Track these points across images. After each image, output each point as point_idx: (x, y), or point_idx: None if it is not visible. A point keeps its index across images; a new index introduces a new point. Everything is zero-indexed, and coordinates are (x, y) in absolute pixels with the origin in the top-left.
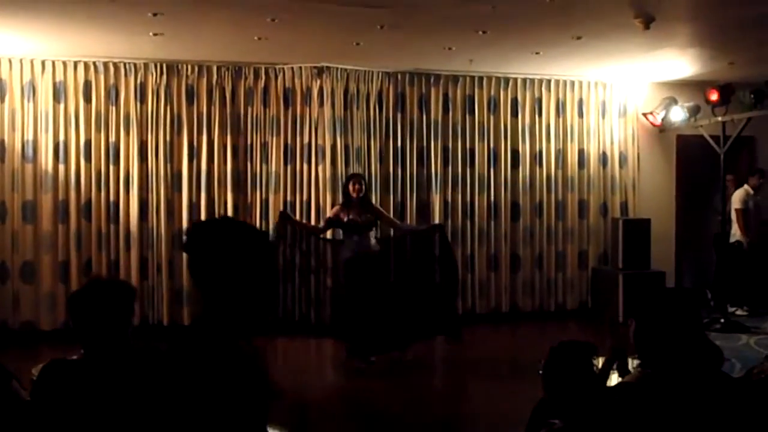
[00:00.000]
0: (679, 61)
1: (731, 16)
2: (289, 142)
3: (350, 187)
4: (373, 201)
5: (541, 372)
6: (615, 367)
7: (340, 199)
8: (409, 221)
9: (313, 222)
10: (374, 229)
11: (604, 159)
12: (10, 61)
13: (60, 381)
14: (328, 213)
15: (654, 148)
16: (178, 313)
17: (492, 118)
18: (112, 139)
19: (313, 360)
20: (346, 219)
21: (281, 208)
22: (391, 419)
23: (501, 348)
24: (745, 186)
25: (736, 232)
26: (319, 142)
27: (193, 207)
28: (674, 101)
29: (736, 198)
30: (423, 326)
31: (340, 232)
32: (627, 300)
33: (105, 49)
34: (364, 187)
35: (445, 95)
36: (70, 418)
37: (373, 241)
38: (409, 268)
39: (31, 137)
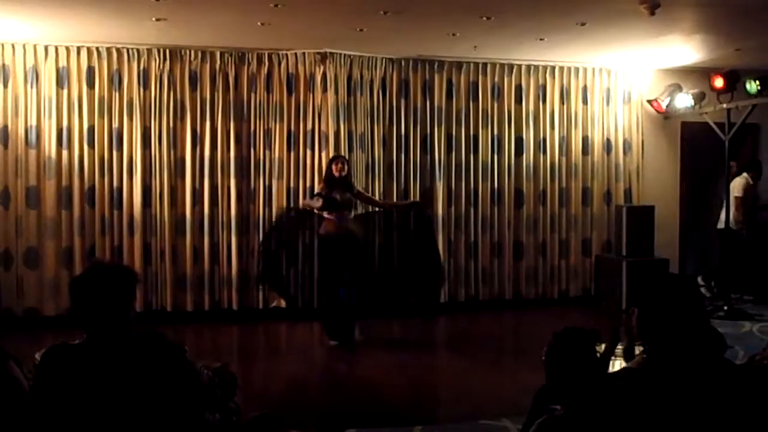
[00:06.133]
0: (684, 48)
1: (737, 2)
2: (292, 128)
3: (333, 167)
4: (377, 188)
5: (544, 358)
6: (619, 353)
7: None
8: None
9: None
10: (353, 209)
11: (608, 146)
12: (13, 47)
13: (61, 365)
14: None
15: (658, 135)
16: (181, 299)
17: (496, 104)
18: (116, 125)
19: (314, 345)
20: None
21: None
22: (391, 405)
23: (504, 335)
24: (745, 174)
25: (732, 219)
26: (323, 128)
27: (196, 193)
28: (679, 88)
29: (738, 186)
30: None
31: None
32: (630, 287)
33: (108, 34)
34: (347, 167)
35: (449, 82)
36: (72, 402)
37: (350, 224)
38: (387, 244)
39: (34, 123)
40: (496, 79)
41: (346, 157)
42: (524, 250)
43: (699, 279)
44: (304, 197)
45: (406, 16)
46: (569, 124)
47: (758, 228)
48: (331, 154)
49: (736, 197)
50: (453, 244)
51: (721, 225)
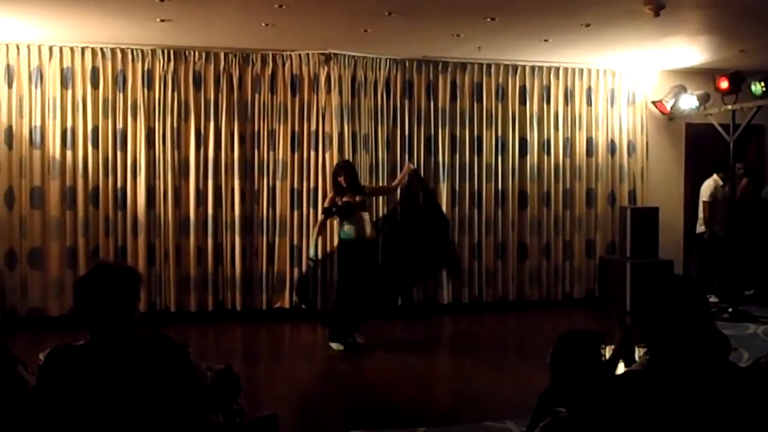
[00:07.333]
0: (689, 49)
1: (742, 3)
2: (296, 129)
3: (339, 180)
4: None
5: (549, 360)
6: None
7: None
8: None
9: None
10: (367, 208)
11: (612, 147)
12: (17, 47)
13: (65, 366)
14: (325, 203)
15: (663, 136)
16: (185, 300)
17: (500, 105)
18: (120, 125)
19: (318, 346)
20: (340, 203)
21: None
22: (394, 406)
23: (507, 336)
24: (714, 177)
25: (701, 223)
26: (327, 129)
27: (200, 194)
28: (684, 89)
29: (706, 189)
30: (419, 272)
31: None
32: (634, 289)
33: (112, 35)
34: (351, 174)
35: (453, 83)
36: (76, 403)
37: (368, 226)
38: (402, 241)
39: (38, 123)
40: (500, 80)
41: (350, 159)
42: (528, 252)
43: (715, 282)
44: (308, 199)
45: (410, 17)
46: (573, 126)
47: (740, 230)
48: (335, 155)
49: (703, 201)
50: (457, 245)
51: (698, 229)
